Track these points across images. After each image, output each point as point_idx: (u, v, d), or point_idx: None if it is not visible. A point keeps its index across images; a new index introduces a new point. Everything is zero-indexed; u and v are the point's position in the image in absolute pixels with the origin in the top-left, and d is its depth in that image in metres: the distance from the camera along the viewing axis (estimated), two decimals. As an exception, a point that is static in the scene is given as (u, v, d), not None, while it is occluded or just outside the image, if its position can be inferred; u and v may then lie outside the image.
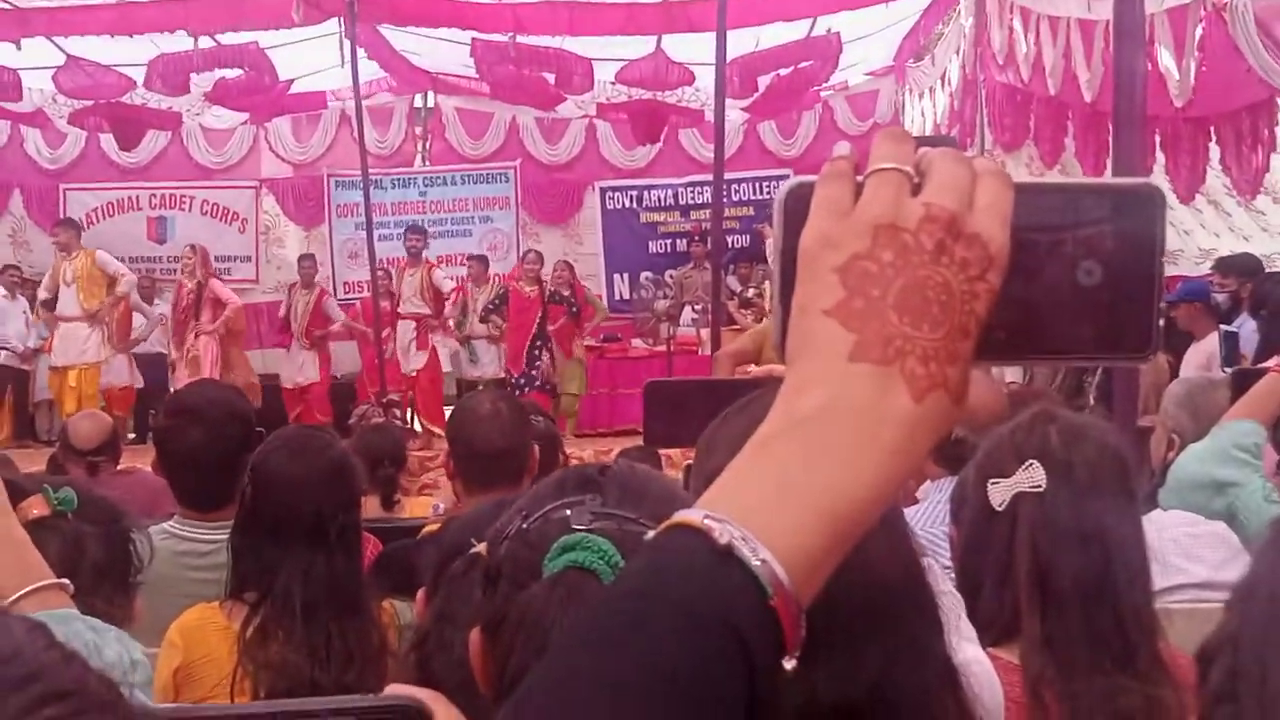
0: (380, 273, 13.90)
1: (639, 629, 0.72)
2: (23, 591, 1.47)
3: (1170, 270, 12.87)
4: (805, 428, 0.77)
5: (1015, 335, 0.82)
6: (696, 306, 15.09)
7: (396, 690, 0.94)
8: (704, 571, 0.73)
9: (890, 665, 1.43)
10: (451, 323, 14.79)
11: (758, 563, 0.73)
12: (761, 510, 0.75)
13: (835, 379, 0.77)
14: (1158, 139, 9.86)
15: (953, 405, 0.78)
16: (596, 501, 1.22)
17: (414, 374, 14.34)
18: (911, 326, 0.77)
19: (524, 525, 1.23)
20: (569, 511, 1.21)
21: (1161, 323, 0.83)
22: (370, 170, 13.87)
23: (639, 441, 4.87)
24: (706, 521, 0.74)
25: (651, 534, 0.78)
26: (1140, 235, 0.82)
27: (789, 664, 0.75)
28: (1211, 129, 9.87)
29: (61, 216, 16.27)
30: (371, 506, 5.20)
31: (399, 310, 14.44)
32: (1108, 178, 0.85)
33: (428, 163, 18.47)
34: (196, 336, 13.95)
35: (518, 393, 13.22)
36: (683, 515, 0.76)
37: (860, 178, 0.81)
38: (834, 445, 0.77)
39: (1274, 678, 0.59)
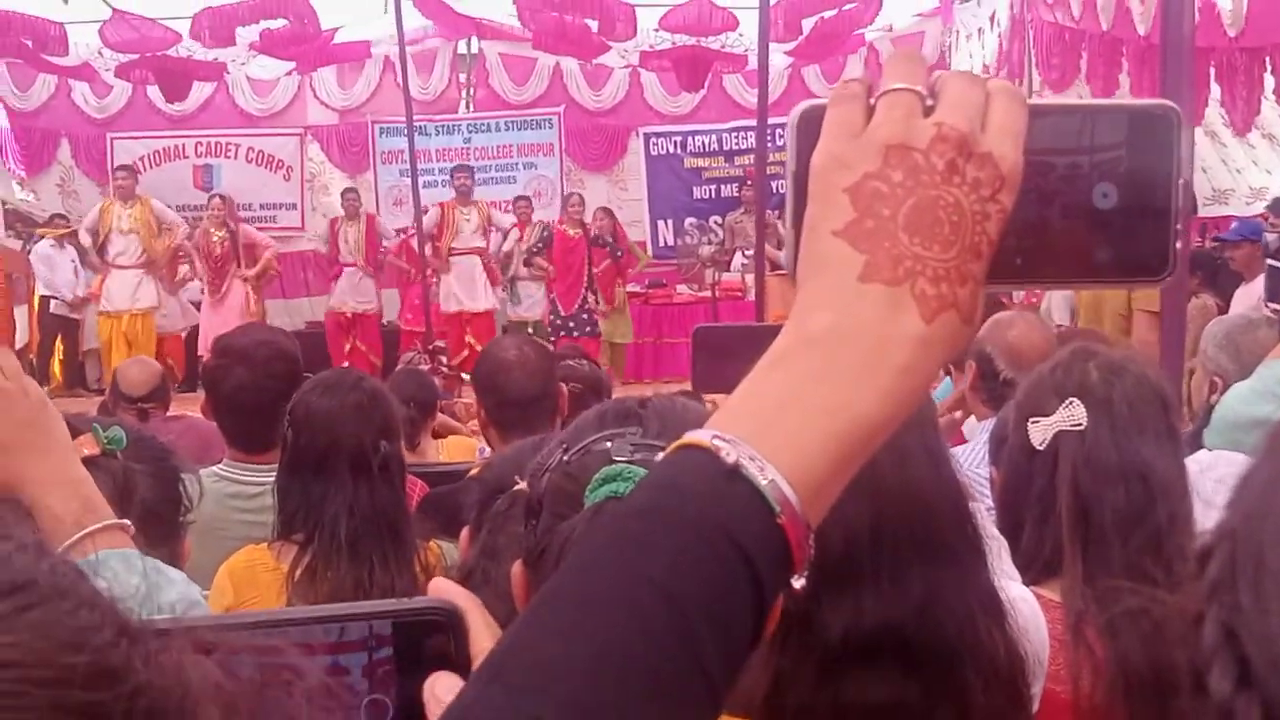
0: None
1: (646, 547, 0.73)
2: (85, 531, 1.47)
3: (1221, 210, 12.72)
4: (815, 348, 0.77)
5: (1030, 258, 0.81)
6: (748, 252, 15.03)
7: (437, 587, 0.95)
8: (711, 490, 0.74)
9: (936, 590, 1.44)
10: (496, 266, 14.87)
11: (765, 481, 0.73)
12: (770, 429, 0.76)
13: (845, 300, 0.77)
14: (1212, 71, 9.72)
15: (963, 326, 0.78)
16: (637, 433, 1.22)
17: (476, 314, 14.50)
18: (922, 247, 0.77)
19: (565, 458, 1.23)
20: (609, 444, 1.21)
21: (1193, 250, 0.82)
22: (414, 117, 13.85)
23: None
24: (714, 441, 0.75)
25: (661, 454, 0.79)
26: (1158, 156, 0.81)
27: (797, 583, 0.75)
28: (1267, 59, 9.72)
29: (111, 165, 16.41)
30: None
31: (454, 248, 14.57)
32: (1125, 98, 0.83)
33: (472, 109, 18.42)
34: (245, 282, 14.31)
35: (564, 335, 13.33)
36: (691, 435, 0.76)
37: (872, 100, 0.81)
38: (843, 366, 0.76)
39: (1271, 561, 0.59)
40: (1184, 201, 0.81)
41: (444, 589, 0.94)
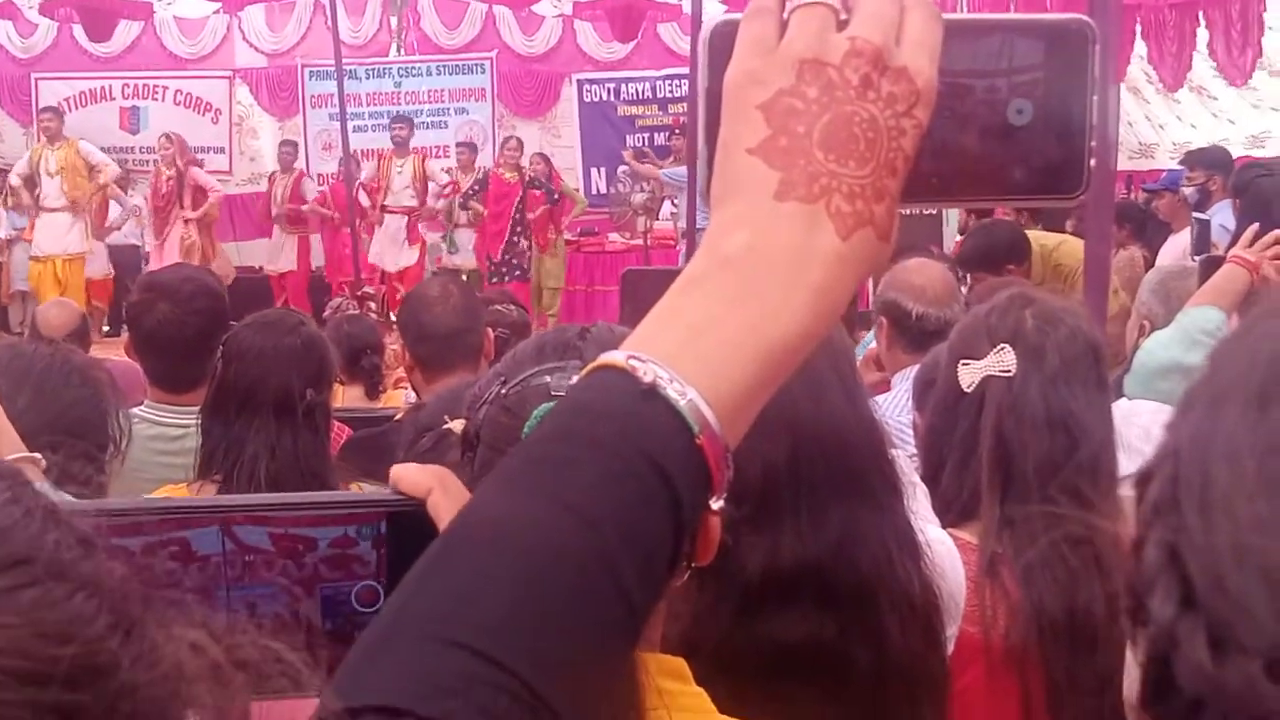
0: (354, 163, 13.85)
1: (562, 469, 0.72)
2: None
3: (1148, 164, 12.87)
4: (731, 268, 0.77)
5: (946, 175, 0.81)
6: (676, 200, 15.01)
7: (396, 474, 0.96)
8: (628, 410, 0.73)
9: (852, 526, 1.44)
10: (441, 216, 14.73)
11: (683, 401, 0.72)
12: (687, 349, 0.75)
13: (761, 218, 0.76)
14: (1138, 27, 9.76)
15: (879, 242, 0.78)
16: (576, 366, 1.20)
17: (401, 270, 14.28)
18: (837, 163, 0.76)
19: (503, 390, 1.22)
20: (549, 378, 1.20)
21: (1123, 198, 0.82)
22: (345, 60, 13.70)
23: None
24: (630, 361, 0.74)
25: (576, 378, 0.78)
26: (1073, 72, 0.81)
27: (716, 504, 0.75)
28: (1200, 14, 9.76)
29: (35, 106, 16.12)
30: (354, 397, 5.22)
31: (386, 205, 14.35)
32: (1040, 15, 0.83)
33: (403, 53, 18.25)
34: (186, 224, 14.03)
35: (497, 280, 13.27)
36: (607, 356, 0.76)
37: (786, 15, 0.79)
38: (760, 285, 0.76)
39: (1217, 481, 0.58)
40: (1099, 119, 0.81)
41: (404, 473, 0.95)
